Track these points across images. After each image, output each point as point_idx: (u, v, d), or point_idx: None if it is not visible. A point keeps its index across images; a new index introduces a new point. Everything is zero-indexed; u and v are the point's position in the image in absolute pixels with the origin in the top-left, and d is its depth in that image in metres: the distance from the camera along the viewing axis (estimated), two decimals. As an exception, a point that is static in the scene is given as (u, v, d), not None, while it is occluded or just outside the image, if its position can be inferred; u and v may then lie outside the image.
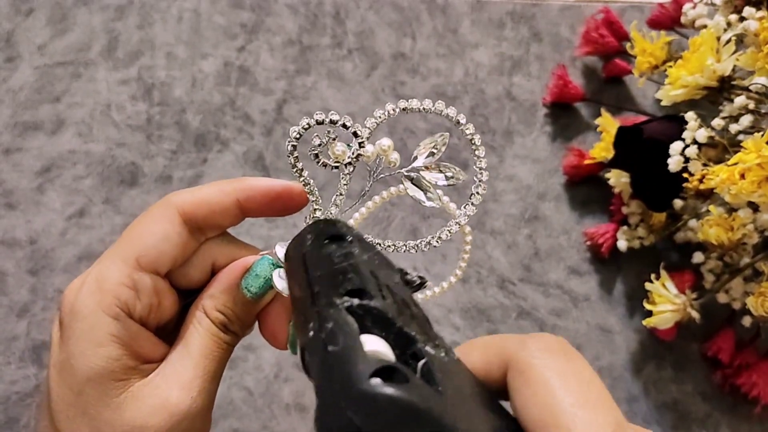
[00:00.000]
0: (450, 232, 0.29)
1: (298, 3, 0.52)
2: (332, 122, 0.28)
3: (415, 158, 0.29)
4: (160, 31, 0.51)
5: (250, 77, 0.50)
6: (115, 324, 0.26)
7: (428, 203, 0.29)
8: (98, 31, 0.51)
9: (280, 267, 0.28)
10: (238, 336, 0.28)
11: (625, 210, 0.47)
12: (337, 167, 0.28)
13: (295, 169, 0.29)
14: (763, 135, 0.36)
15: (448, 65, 0.51)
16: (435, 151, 0.29)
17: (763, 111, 0.40)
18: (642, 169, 0.44)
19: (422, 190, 0.29)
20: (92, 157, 0.48)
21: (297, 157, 0.28)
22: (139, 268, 0.26)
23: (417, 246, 0.29)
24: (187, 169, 0.48)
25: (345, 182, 0.29)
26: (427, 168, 0.29)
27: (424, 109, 0.28)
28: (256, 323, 0.30)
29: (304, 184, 0.29)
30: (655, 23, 0.49)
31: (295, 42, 0.51)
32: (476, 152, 0.28)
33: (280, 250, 0.28)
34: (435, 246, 0.29)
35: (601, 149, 0.46)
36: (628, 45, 0.48)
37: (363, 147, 0.28)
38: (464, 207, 0.29)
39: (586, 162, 0.48)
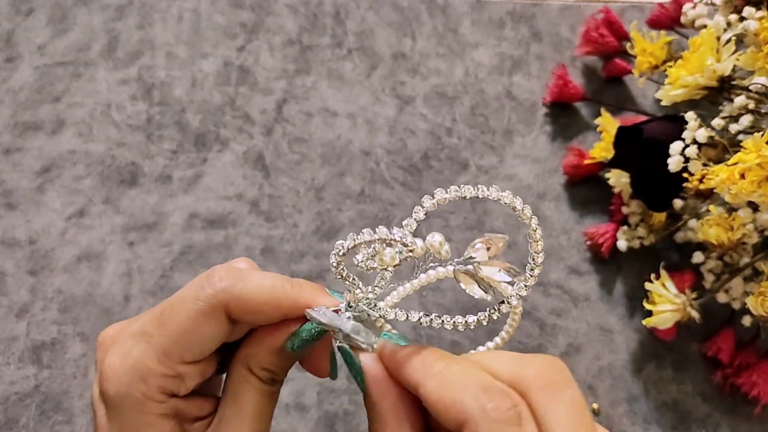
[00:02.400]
0: (500, 312, 0.28)
1: (298, 3, 0.52)
2: (381, 240, 0.26)
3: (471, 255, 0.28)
4: (160, 31, 0.51)
5: (250, 77, 0.50)
6: (162, 406, 0.27)
7: (481, 296, 0.27)
8: (98, 31, 0.51)
9: (323, 330, 0.28)
10: (283, 380, 0.30)
11: (625, 210, 0.47)
12: (386, 269, 0.27)
13: (340, 277, 0.28)
14: (763, 135, 0.36)
15: (448, 65, 0.51)
16: (493, 251, 0.27)
17: (763, 111, 0.40)
18: (642, 169, 0.44)
19: (474, 282, 0.27)
20: (92, 157, 0.48)
21: (342, 268, 0.27)
22: (183, 362, 0.27)
23: (465, 323, 0.28)
24: (187, 169, 0.48)
25: (390, 273, 0.28)
26: (484, 264, 0.27)
27: (479, 196, 0.26)
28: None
29: (345, 280, 0.28)
30: (655, 23, 0.49)
31: (295, 42, 0.51)
32: (533, 235, 0.27)
33: (329, 316, 0.28)
34: (484, 325, 0.28)
35: (601, 149, 0.46)
36: (628, 45, 0.48)
37: (412, 251, 0.26)
38: (517, 286, 0.28)
39: (586, 162, 0.47)
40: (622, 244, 0.46)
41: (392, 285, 0.28)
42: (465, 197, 0.26)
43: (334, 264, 0.27)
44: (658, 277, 0.43)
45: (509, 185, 0.49)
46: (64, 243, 0.46)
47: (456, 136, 0.50)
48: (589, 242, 0.48)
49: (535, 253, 0.27)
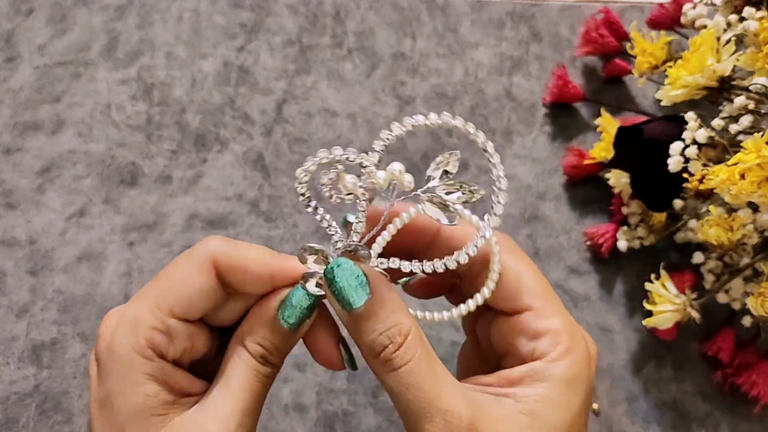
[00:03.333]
0: (476, 247, 0.28)
1: (298, 3, 0.52)
2: (337, 160, 0.27)
3: (429, 179, 0.28)
4: (160, 31, 0.51)
5: (249, 77, 0.50)
6: (149, 364, 0.27)
7: (448, 222, 0.27)
8: (98, 31, 0.51)
9: (314, 296, 0.28)
10: (278, 367, 0.29)
11: (625, 210, 0.47)
12: (350, 201, 0.28)
13: (309, 209, 0.28)
14: (763, 135, 0.36)
15: (448, 65, 0.51)
16: (448, 170, 0.28)
17: (763, 111, 0.40)
18: (642, 169, 0.44)
19: (440, 210, 0.28)
20: (92, 157, 0.48)
21: (309, 197, 0.28)
22: (172, 315, 0.27)
23: (445, 264, 0.28)
24: (187, 169, 0.48)
25: (362, 209, 0.28)
26: (443, 187, 0.28)
27: (430, 124, 0.27)
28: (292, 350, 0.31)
29: (320, 220, 0.28)
30: (655, 23, 0.49)
31: (295, 42, 0.51)
32: (491, 160, 0.27)
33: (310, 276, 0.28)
34: (462, 263, 0.27)
35: (601, 149, 0.46)
36: (628, 45, 0.48)
37: (373, 177, 0.27)
38: (487, 218, 0.28)
39: (586, 162, 0.47)
40: (622, 244, 0.46)
41: (371, 233, 0.28)
42: (420, 125, 0.27)
43: (302, 192, 0.27)
44: (658, 277, 0.43)
45: (509, 185, 0.49)
46: (64, 243, 0.46)
47: (456, 136, 0.50)
48: (588, 242, 0.48)
49: (497, 177, 0.27)
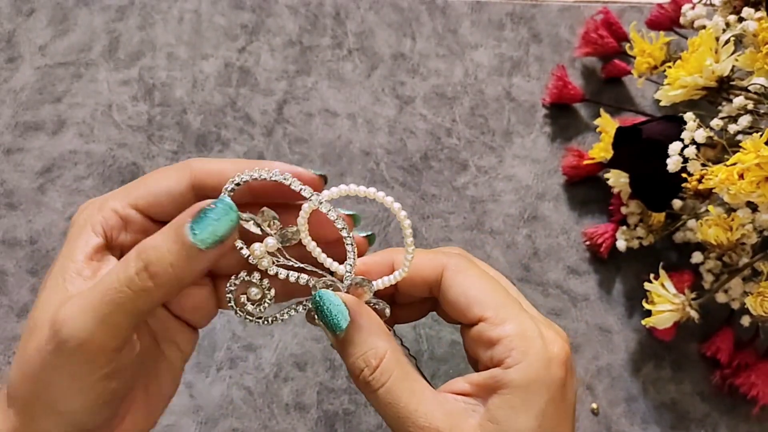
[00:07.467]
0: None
1: (298, 4, 0.52)
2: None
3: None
4: (161, 32, 0.51)
5: (250, 78, 0.50)
6: (99, 231, 0.29)
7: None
8: (99, 31, 0.51)
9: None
10: (159, 281, 0.26)
11: (624, 210, 0.47)
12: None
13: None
14: (761, 135, 0.37)
15: (448, 66, 0.51)
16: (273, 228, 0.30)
17: (761, 111, 0.40)
18: (641, 169, 0.44)
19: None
20: (93, 157, 0.48)
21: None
22: (136, 208, 0.29)
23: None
24: (187, 170, 0.48)
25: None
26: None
27: (263, 177, 0.30)
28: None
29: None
30: (654, 24, 0.49)
31: (296, 42, 0.51)
32: (302, 193, 0.31)
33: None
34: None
35: (600, 149, 0.47)
36: (627, 45, 0.48)
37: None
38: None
39: (586, 162, 0.48)
40: (621, 244, 0.46)
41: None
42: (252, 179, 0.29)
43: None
44: (657, 277, 0.43)
45: (509, 185, 0.49)
46: (65, 243, 0.47)
47: (456, 136, 0.50)
48: (588, 242, 0.48)
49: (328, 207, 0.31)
